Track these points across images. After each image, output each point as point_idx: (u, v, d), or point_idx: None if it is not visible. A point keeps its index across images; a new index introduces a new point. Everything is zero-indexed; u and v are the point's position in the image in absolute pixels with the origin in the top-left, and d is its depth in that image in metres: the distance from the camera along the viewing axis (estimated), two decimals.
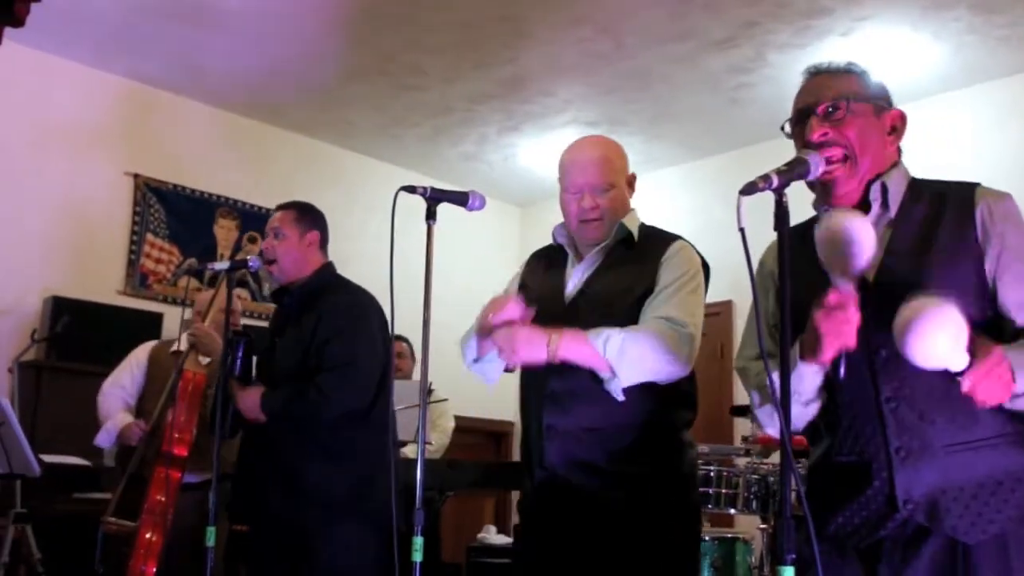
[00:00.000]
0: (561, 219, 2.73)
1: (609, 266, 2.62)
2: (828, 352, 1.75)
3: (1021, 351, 1.72)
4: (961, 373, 1.64)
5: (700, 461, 4.15)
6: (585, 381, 2.44)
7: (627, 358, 2.35)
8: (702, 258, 2.62)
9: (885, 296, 1.80)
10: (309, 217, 3.53)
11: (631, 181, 2.72)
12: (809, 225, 2.01)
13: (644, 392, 2.44)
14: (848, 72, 2.02)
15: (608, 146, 2.71)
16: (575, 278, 2.64)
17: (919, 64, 5.71)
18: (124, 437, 4.10)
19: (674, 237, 2.65)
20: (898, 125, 2.01)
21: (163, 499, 3.63)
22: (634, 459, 2.45)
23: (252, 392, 3.28)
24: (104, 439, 4.22)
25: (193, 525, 3.80)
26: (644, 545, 2.42)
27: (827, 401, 1.93)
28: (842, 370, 1.78)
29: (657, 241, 2.62)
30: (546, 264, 2.78)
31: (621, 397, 2.39)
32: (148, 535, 3.57)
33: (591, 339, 2.36)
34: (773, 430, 2.02)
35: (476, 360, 2.54)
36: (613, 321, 2.45)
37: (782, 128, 2.05)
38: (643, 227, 2.67)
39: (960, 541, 1.77)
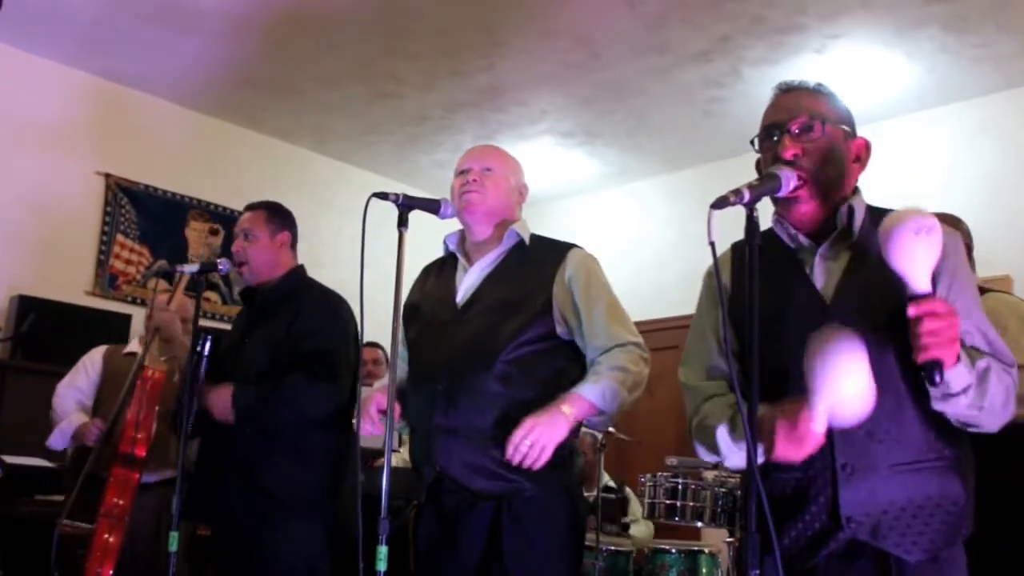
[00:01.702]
0: (459, 228, 2.80)
1: (502, 272, 2.67)
2: (775, 455, 1.76)
3: (968, 357, 1.75)
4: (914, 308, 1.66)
5: (668, 474, 4.17)
6: (475, 380, 2.48)
7: (613, 398, 2.46)
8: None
9: (841, 315, 1.82)
10: (279, 218, 3.49)
11: (521, 190, 2.81)
12: (765, 237, 2.03)
13: (536, 396, 2.48)
14: (819, 92, 2.03)
15: (503, 150, 2.84)
16: (466, 284, 2.69)
17: (893, 83, 5.75)
18: (80, 436, 4.00)
19: (568, 245, 2.71)
20: (863, 155, 2.03)
21: (121, 501, 3.56)
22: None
23: (223, 391, 3.20)
24: (58, 440, 4.09)
25: (150, 526, 3.75)
26: (524, 549, 2.44)
27: None
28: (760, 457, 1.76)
29: (550, 249, 2.70)
30: (436, 273, 2.83)
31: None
32: (105, 537, 3.49)
33: (589, 397, 2.44)
34: (709, 459, 2.07)
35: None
36: (506, 327, 2.51)
37: (752, 142, 2.06)
38: (534, 236, 2.74)
39: (897, 558, 1.78)
